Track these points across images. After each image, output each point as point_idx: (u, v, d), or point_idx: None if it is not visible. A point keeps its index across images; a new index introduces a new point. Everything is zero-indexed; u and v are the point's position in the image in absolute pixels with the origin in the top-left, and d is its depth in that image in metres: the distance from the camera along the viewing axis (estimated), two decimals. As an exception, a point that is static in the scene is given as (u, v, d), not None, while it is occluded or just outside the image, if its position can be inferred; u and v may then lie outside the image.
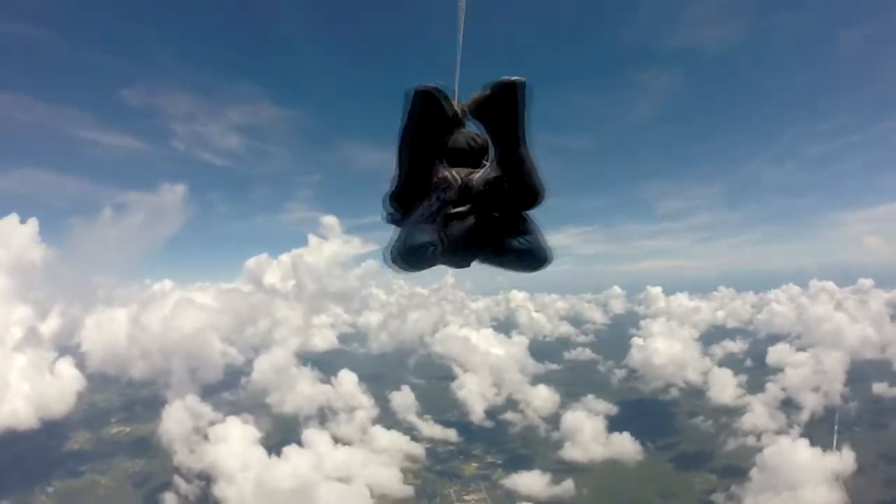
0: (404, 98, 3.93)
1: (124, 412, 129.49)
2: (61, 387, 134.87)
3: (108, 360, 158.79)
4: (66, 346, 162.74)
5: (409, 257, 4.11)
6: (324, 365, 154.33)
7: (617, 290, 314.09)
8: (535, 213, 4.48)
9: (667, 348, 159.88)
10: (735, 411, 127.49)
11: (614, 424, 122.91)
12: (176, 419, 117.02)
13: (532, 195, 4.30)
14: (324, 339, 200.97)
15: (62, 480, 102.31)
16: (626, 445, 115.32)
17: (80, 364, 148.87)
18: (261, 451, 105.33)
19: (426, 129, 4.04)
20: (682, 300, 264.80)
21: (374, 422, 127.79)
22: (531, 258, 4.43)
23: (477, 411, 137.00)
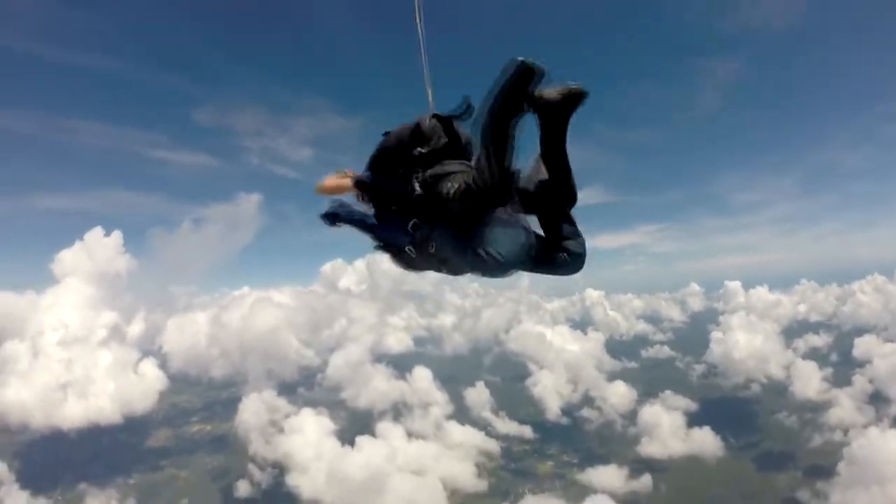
0: (504, 69, 3.52)
1: (205, 412, 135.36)
2: (144, 386, 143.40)
3: (189, 360, 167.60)
4: (149, 349, 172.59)
5: (516, 259, 3.99)
6: (399, 366, 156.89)
7: (695, 287, 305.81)
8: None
9: (747, 343, 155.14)
10: (820, 406, 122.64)
11: (694, 421, 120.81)
12: (252, 411, 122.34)
13: (574, 194, 4.24)
14: (399, 342, 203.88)
15: (143, 474, 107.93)
16: (706, 441, 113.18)
17: (163, 365, 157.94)
18: (334, 443, 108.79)
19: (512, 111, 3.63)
20: (762, 294, 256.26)
21: (449, 418, 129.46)
22: (583, 260, 4.38)
23: (552, 408, 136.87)
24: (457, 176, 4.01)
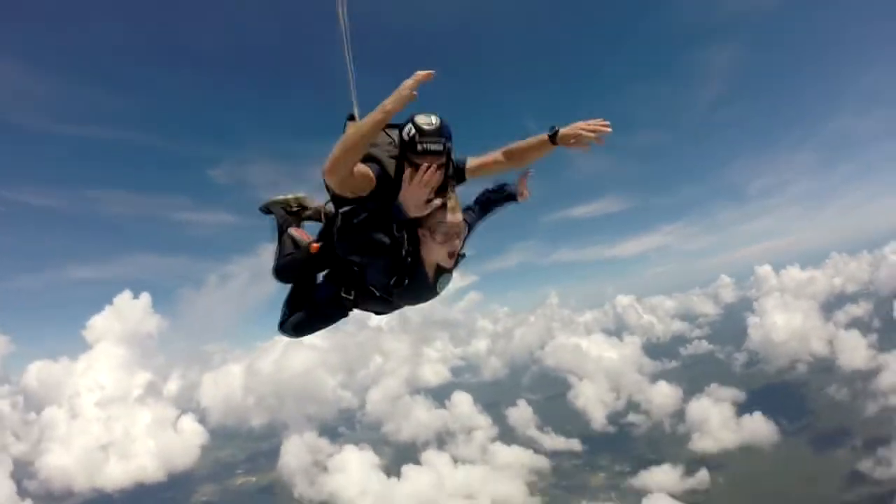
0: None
1: (248, 464, 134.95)
2: (185, 442, 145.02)
3: (227, 412, 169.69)
4: (187, 405, 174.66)
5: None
6: (438, 397, 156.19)
7: (725, 279, 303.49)
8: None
9: (786, 323, 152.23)
10: (869, 374, 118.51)
11: (743, 410, 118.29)
12: (294, 454, 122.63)
13: None
14: (436, 374, 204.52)
15: None
16: (758, 429, 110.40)
17: (202, 419, 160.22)
18: (380, 476, 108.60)
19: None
20: (794, 274, 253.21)
21: (494, 440, 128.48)
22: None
23: (598, 418, 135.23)
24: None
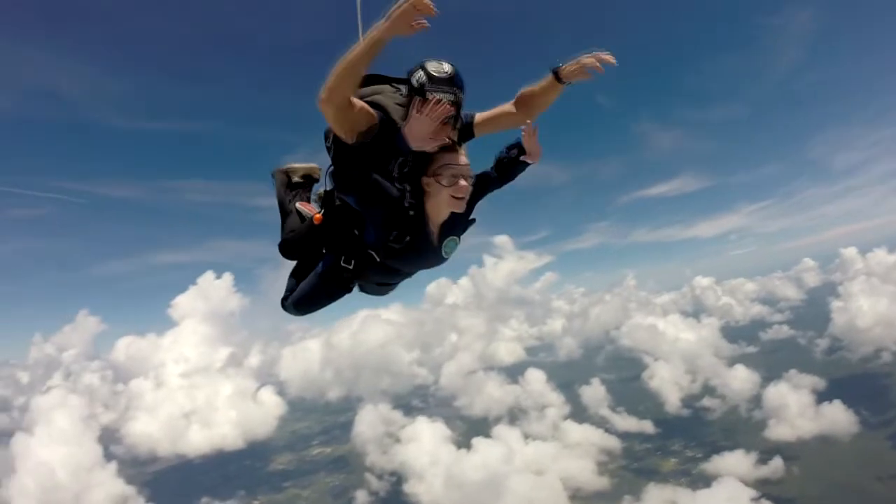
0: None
1: (324, 436, 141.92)
2: (264, 412, 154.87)
3: (305, 385, 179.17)
4: (267, 378, 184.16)
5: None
6: (512, 375, 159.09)
7: (808, 262, 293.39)
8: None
9: (872, 309, 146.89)
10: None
11: (822, 398, 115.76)
12: (368, 424, 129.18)
13: None
14: (510, 353, 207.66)
15: (267, 495, 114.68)
16: (838, 419, 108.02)
17: (281, 391, 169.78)
18: (450, 449, 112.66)
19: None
20: (881, 257, 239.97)
21: (566, 418, 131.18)
22: None
23: (672, 400, 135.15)
24: None
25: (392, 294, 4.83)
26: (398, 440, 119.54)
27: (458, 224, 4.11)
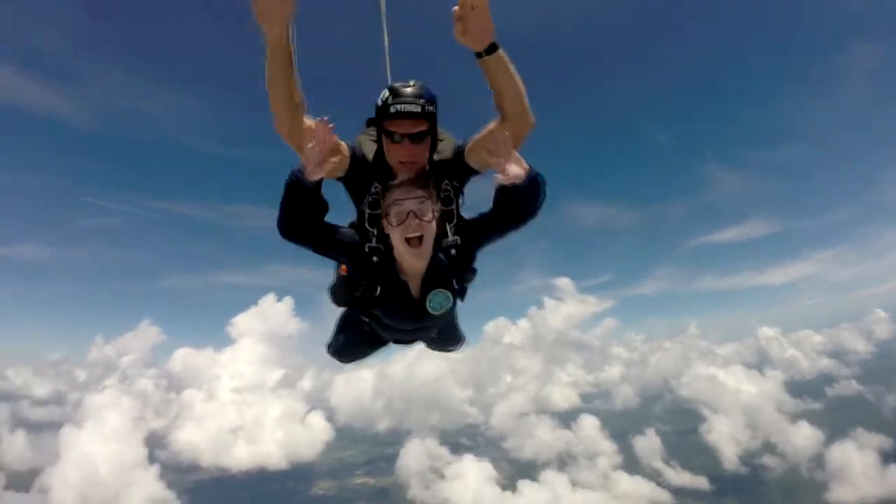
0: None
1: (368, 466, 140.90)
2: (311, 436, 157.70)
3: (355, 414, 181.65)
4: (318, 403, 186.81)
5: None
6: (565, 421, 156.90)
7: (880, 313, 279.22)
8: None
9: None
10: None
11: (890, 459, 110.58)
12: (413, 457, 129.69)
13: None
14: (565, 398, 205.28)
15: None
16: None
17: (330, 417, 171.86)
18: (495, 489, 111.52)
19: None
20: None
21: (617, 468, 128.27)
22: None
23: (729, 456, 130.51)
24: None
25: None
26: (442, 476, 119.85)
27: (445, 274, 3.58)
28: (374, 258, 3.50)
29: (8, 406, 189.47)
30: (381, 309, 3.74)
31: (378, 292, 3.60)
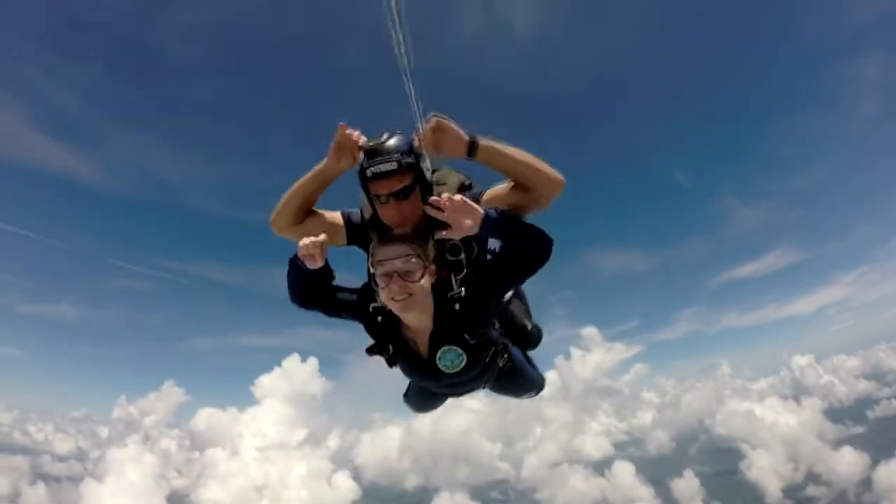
0: None
1: None
2: (336, 496, 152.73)
3: (381, 472, 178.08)
4: (344, 463, 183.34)
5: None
6: (599, 470, 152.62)
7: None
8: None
9: None
10: None
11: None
12: None
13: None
14: (597, 448, 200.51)
15: None
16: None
17: (357, 476, 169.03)
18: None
19: None
20: None
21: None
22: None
23: (773, 491, 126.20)
24: None
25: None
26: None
27: (453, 330, 3.22)
28: (379, 318, 3.30)
29: (28, 460, 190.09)
30: (400, 367, 3.52)
31: (391, 351, 3.42)
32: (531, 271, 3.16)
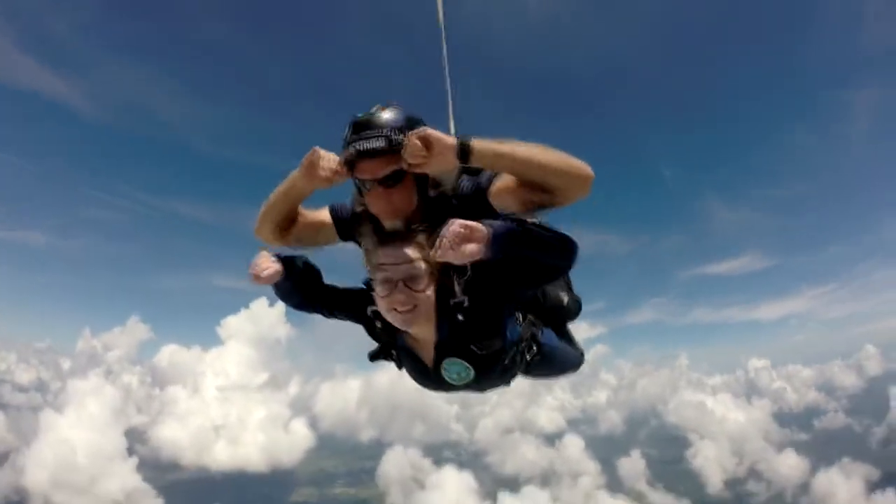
0: None
1: (349, 477, 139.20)
2: (293, 442, 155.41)
3: (338, 423, 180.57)
4: (302, 410, 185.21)
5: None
6: (550, 442, 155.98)
7: (870, 349, 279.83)
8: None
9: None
10: None
11: (875, 488, 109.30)
12: (395, 465, 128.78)
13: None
14: (550, 422, 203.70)
15: None
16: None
17: (313, 425, 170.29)
18: (475, 501, 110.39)
19: None
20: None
21: (600, 488, 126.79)
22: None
23: (714, 482, 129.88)
24: None
25: None
26: (423, 486, 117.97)
27: (459, 341, 2.80)
28: (378, 323, 2.89)
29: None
30: (408, 374, 3.21)
31: (395, 357, 3.13)
32: (550, 280, 2.94)
